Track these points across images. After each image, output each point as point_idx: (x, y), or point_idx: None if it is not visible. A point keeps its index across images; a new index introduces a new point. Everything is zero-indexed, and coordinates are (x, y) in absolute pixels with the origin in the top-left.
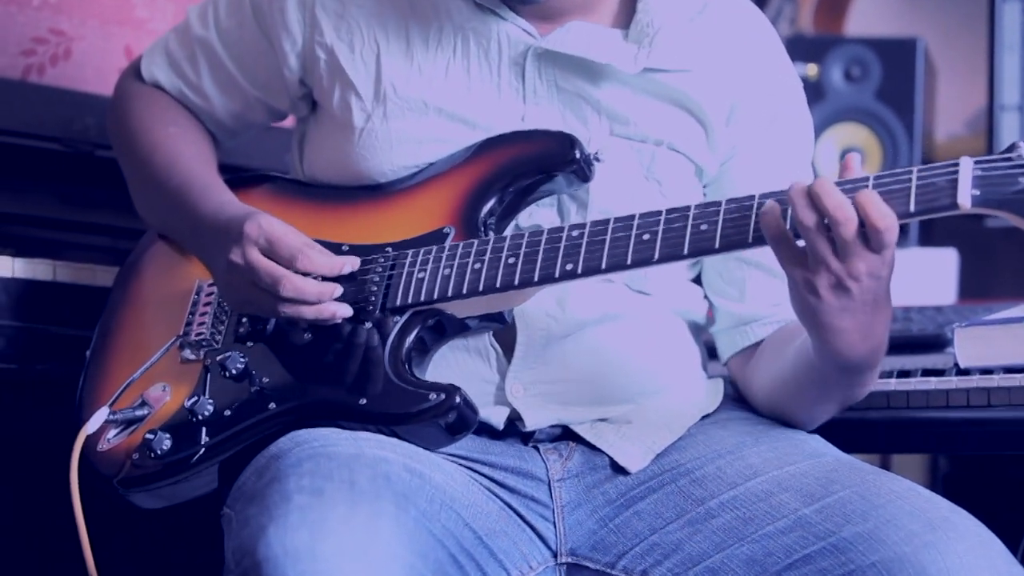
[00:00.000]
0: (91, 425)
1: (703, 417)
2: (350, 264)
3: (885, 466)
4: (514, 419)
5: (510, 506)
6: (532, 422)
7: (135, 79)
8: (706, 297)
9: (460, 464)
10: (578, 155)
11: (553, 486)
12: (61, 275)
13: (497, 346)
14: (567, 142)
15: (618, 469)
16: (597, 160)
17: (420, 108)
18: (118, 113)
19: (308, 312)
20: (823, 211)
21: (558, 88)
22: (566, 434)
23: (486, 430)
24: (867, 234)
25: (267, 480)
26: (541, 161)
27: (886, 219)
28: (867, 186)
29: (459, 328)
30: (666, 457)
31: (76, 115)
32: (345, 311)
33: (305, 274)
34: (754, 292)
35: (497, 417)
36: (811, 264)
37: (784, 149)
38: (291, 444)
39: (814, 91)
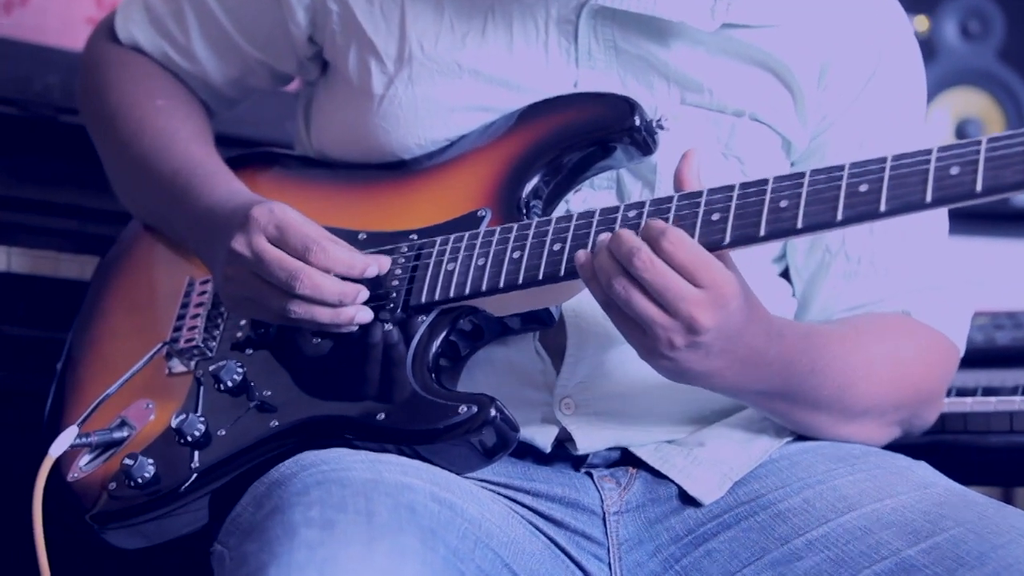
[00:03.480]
0: (56, 447)
1: (788, 440)
2: (377, 266)
3: (1007, 500)
4: (563, 440)
5: (556, 543)
6: (585, 444)
7: (109, 40)
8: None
9: (498, 493)
10: (637, 121)
11: (609, 520)
12: (16, 264)
13: (544, 352)
14: (624, 106)
15: (687, 500)
16: (660, 127)
17: (452, 70)
18: (91, 83)
19: (323, 315)
20: (617, 257)
21: (617, 50)
22: (625, 458)
23: (530, 452)
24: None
25: (268, 511)
26: (593, 130)
27: (690, 258)
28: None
29: (497, 330)
30: (744, 487)
31: (35, 73)
32: (365, 316)
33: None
34: (829, 293)
35: (543, 438)
36: (643, 325)
37: (888, 118)
38: (296, 468)
39: (923, 50)
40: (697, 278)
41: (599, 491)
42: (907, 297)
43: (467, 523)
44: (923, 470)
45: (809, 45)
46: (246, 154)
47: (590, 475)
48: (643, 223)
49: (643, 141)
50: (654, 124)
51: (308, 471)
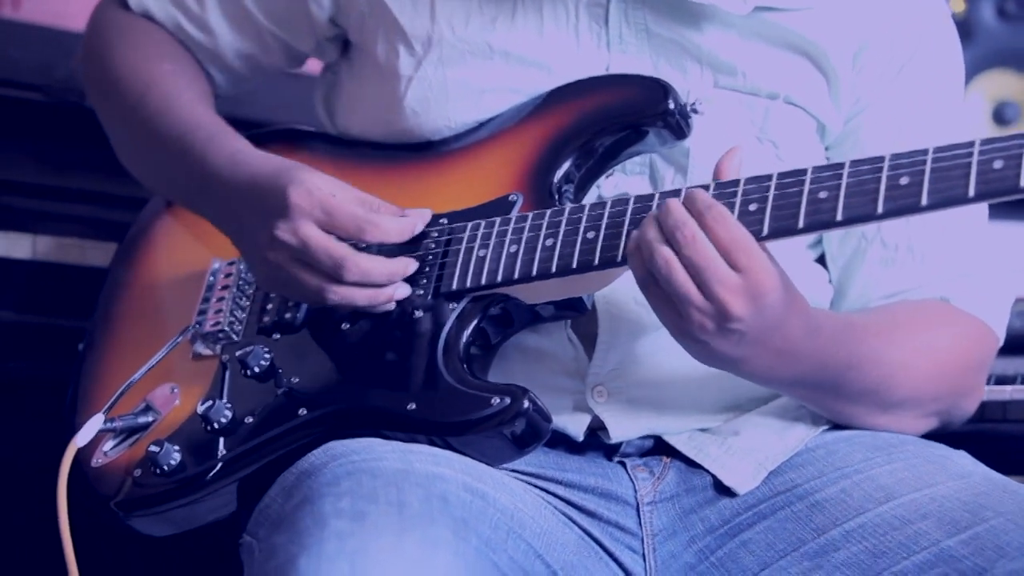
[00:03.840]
0: (82, 436)
1: (824, 428)
2: (422, 220)
3: None
4: (596, 429)
5: (590, 534)
6: (618, 433)
7: (118, 7)
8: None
9: (530, 483)
10: (671, 105)
11: (643, 510)
12: (42, 252)
13: (576, 339)
14: (658, 89)
15: (722, 490)
16: (695, 112)
17: (483, 51)
18: (96, 47)
19: (361, 298)
20: (664, 228)
21: (649, 33)
22: (659, 447)
23: (562, 441)
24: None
25: (298, 501)
26: (626, 113)
27: (731, 236)
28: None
29: (528, 317)
30: (779, 476)
31: (58, 58)
32: (403, 292)
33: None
34: (865, 280)
35: (575, 426)
36: (678, 305)
37: (924, 101)
38: (326, 458)
39: (959, 31)
40: (735, 259)
41: (632, 481)
42: (946, 284)
43: (499, 513)
44: (962, 459)
45: (843, 27)
46: (269, 132)
47: (623, 464)
48: (693, 197)
49: (677, 125)
50: (688, 108)
51: (338, 461)
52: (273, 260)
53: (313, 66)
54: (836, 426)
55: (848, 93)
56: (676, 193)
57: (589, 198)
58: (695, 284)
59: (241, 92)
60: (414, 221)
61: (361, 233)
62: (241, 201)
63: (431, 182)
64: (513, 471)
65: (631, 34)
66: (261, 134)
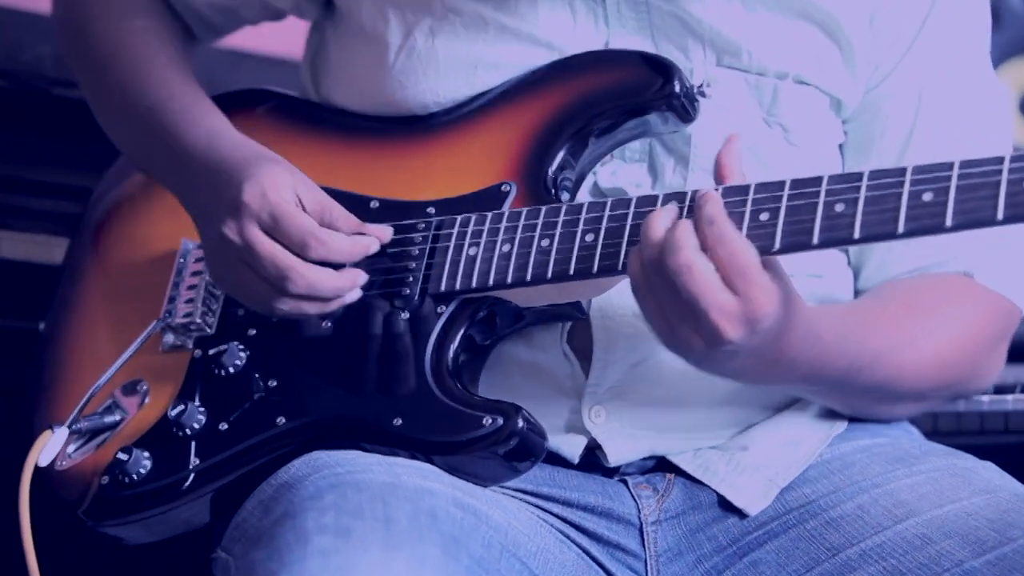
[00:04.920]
0: (45, 456)
1: (840, 431)
2: (377, 240)
3: None
4: (594, 448)
5: (589, 554)
6: (616, 456)
7: None
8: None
9: (525, 501)
10: (677, 87)
11: (646, 530)
12: (8, 250)
13: (572, 355)
14: (662, 70)
15: (731, 507)
16: (702, 94)
17: (477, 23)
18: (67, 3)
19: (311, 309)
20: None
21: (648, 6)
22: (662, 463)
23: (559, 457)
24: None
25: (278, 516)
26: (627, 95)
27: (732, 258)
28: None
29: (521, 320)
30: (792, 491)
31: (25, 42)
32: (353, 296)
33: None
34: (884, 254)
35: (570, 448)
36: (670, 320)
37: (949, 63)
38: (308, 469)
39: None
40: (733, 283)
41: (635, 500)
42: (969, 258)
43: (492, 531)
44: (989, 472)
45: None
46: (242, 92)
47: (625, 482)
48: (699, 205)
49: (683, 108)
50: (695, 90)
51: (321, 473)
52: (223, 258)
53: (296, 51)
54: (851, 432)
55: (866, 62)
56: (681, 197)
57: (586, 185)
58: (689, 309)
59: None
60: (368, 243)
61: (304, 248)
62: (205, 185)
63: (419, 164)
64: (507, 488)
65: (629, 7)
66: (231, 95)
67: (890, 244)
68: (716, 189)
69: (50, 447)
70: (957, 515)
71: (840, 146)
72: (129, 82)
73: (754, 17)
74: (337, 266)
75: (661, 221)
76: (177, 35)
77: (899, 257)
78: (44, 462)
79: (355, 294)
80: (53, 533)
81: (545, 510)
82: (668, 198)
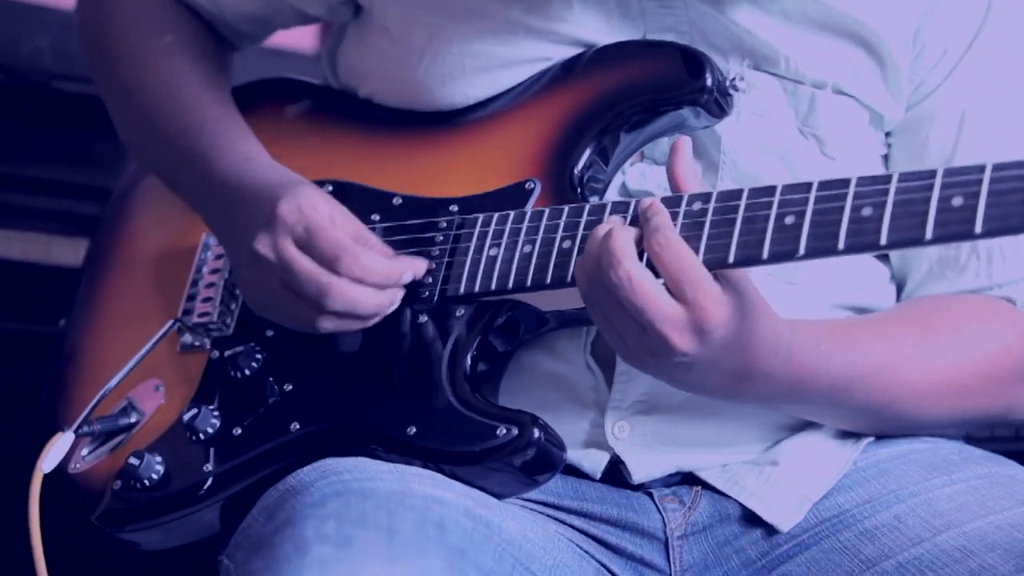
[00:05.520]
0: (49, 461)
1: (870, 440)
2: (412, 272)
3: None
4: (617, 462)
5: (609, 570)
6: (640, 473)
7: None
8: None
9: (544, 513)
10: (708, 81)
11: (672, 545)
12: (3, 249)
13: (596, 367)
14: (693, 63)
15: (760, 519)
16: (735, 89)
17: (505, 26)
18: (90, 17)
19: (355, 326)
20: (600, 262)
21: (687, 7)
22: (689, 476)
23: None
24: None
25: (279, 523)
26: (656, 89)
27: (677, 265)
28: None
29: (542, 324)
30: (825, 501)
31: (23, 34)
32: (393, 305)
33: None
34: (923, 278)
35: (592, 463)
36: (617, 327)
37: (1000, 82)
38: (315, 475)
39: None
40: (681, 291)
41: (661, 512)
42: (1013, 285)
43: (504, 543)
44: None
45: (899, 3)
46: (268, 82)
47: (650, 495)
48: (644, 203)
49: (716, 104)
50: (727, 84)
51: (328, 479)
52: (257, 279)
53: (302, 44)
54: (885, 439)
55: (907, 78)
56: (706, 198)
57: (614, 185)
58: (635, 321)
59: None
60: (403, 269)
61: (336, 262)
62: (237, 211)
63: (443, 159)
64: (526, 499)
65: (666, 8)
66: (257, 85)
67: (929, 268)
68: (741, 191)
69: (55, 452)
70: (1000, 526)
71: (885, 158)
72: (158, 105)
73: (791, 29)
74: None
75: (601, 233)
76: (211, 48)
77: (935, 282)
78: (48, 468)
79: (394, 304)
80: (65, 536)
81: (565, 523)
82: (694, 199)
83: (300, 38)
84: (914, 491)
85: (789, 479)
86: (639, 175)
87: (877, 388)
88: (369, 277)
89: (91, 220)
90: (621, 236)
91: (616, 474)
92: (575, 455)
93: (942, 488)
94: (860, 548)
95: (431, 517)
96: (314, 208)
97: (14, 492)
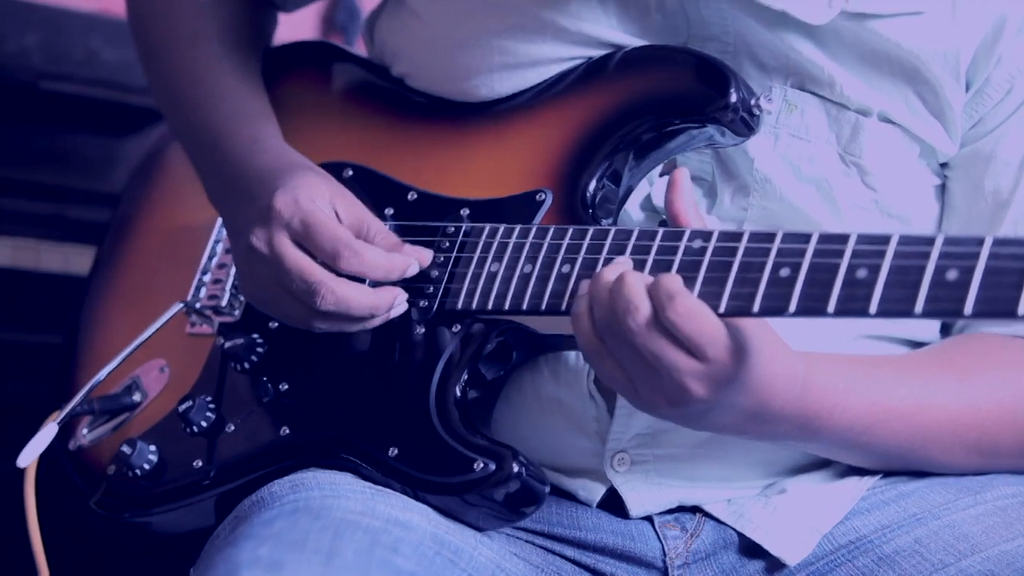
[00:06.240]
0: (23, 457)
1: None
2: (417, 262)
3: None
4: (615, 490)
5: None
6: (639, 508)
7: None
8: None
9: (530, 542)
10: (733, 98)
11: (672, 574)
12: None
13: (598, 396)
14: (718, 78)
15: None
16: (759, 109)
17: (533, 24)
18: None
19: (351, 327)
20: (614, 308)
21: (724, 28)
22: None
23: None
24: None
25: (228, 540)
26: (675, 103)
27: (699, 331)
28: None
29: (540, 346)
30: (840, 525)
31: (10, 31)
32: (398, 311)
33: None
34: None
35: (588, 492)
36: (629, 374)
37: None
38: (286, 488)
39: None
40: (702, 352)
41: (660, 540)
42: None
43: (472, 572)
44: None
45: (957, 31)
46: (307, 45)
47: (650, 520)
48: (657, 281)
49: (742, 122)
50: (753, 105)
51: (297, 494)
52: (252, 273)
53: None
54: None
55: (965, 115)
56: (707, 236)
57: (637, 197)
58: (651, 369)
59: None
60: (406, 263)
61: (336, 258)
62: (240, 194)
63: (462, 155)
64: (511, 528)
65: (704, 26)
66: (291, 47)
67: None
68: (741, 233)
69: (35, 445)
70: None
71: (941, 187)
72: (182, 73)
73: (839, 55)
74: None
75: (611, 277)
76: (243, 11)
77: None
78: (24, 463)
79: (399, 309)
80: (69, 519)
81: (554, 552)
82: (695, 236)
83: (300, 31)
84: (936, 513)
85: (797, 509)
86: (660, 192)
87: (901, 432)
88: (370, 273)
89: (82, 225)
90: (635, 282)
91: (614, 501)
92: (571, 483)
93: (967, 510)
94: (878, 575)
95: (384, 540)
96: (311, 200)
97: (10, 501)
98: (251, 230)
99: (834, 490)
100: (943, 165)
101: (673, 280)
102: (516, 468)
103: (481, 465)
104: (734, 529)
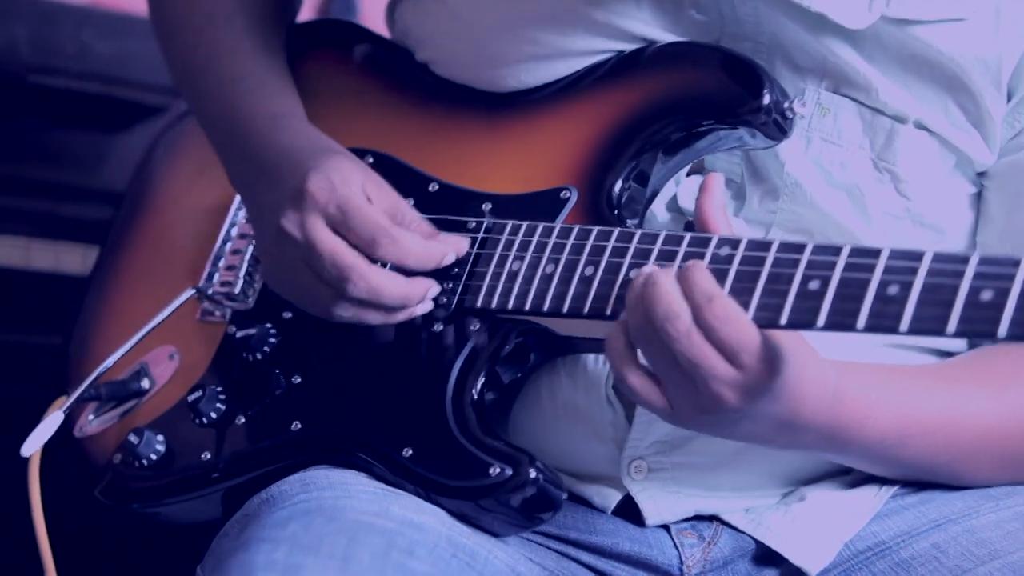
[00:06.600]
0: (27, 446)
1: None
2: (454, 251)
3: None
4: (631, 496)
5: None
6: (655, 516)
7: None
8: None
9: (546, 546)
10: (766, 100)
11: None
12: None
13: (616, 401)
14: (750, 78)
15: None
16: (792, 112)
17: (565, 15)
18: None
19: (374, 319)
20: (652, 315)
21: (759, 29)
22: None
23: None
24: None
25: (241, 541)
26: (706, 103)
27: (737, 338)
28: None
29: (560, 348)
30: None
31: None
32: (425, 308)
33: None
34: None
35: (604, 499)
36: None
37: None
38: (297, 487)
39: None
40: (739, 361)
41: (677, 548)
42: None
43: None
44: None
45: (1002, 43)
46: (331, 24)
47: (667, 527)
48: (692, 280)
49: (774, 124)
50: (786, 108)
51: (307, 494)
52: (279, 256)
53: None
54: None
55: (1005, 125)
56: (735, 243)
57: (663, 197)
58: (687, 377)
59: None
60: (444, 250)
61: (374, 245)
62: (264, 175)
63: (483, 145)
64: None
65: (739, 26)
66: (314, 24)
67: None
68: (770, 242)
69: (40, 433)
70: None
71: (977, 196)
72: (198, 49)
73: (876, 60)
74: (406, 276)
75: (645, 282)
76: None
77: None
78: (28, 452)
79: (425, 306)
80: (74, 506)
81: (570, 557)
82: (723, 243)
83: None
84: (955, 519)
85: (817, 516)
86: (692, 192)
87: (931, 446)
88: (407, 260)
89: (74, 222)
90: (670, 285)
91: (630, 507)
92: (586, 489)
93: (987, 515)
94: None
95: (400, 543)
96: (347, 184)
97: (14, 501)
98: (282, 212)
99: (855, 497)
100: (980, 174)
101: (708, 280)
102: (533, 474)
103: (497, 470)
104: (752, 537)
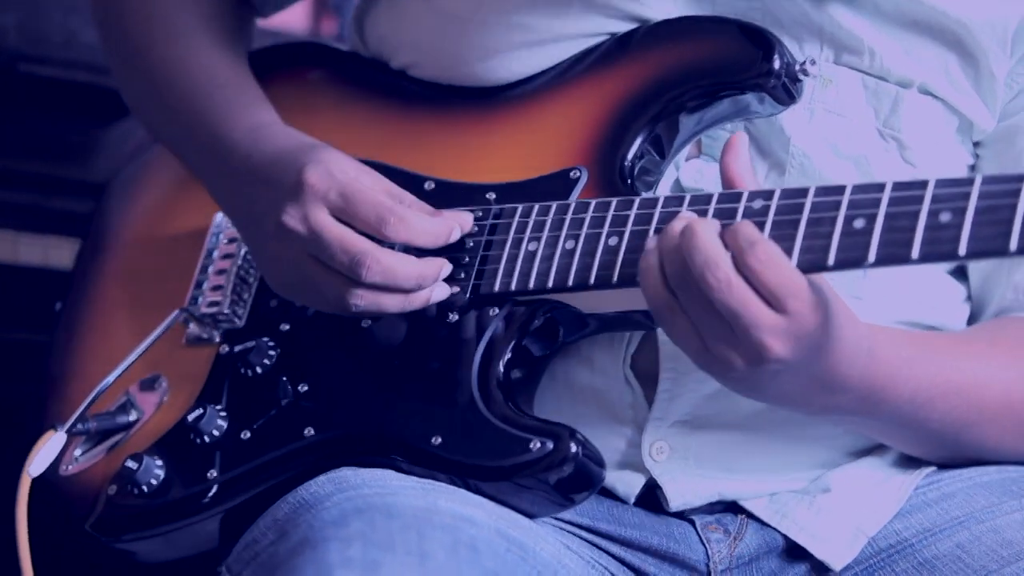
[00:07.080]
0: (37, 465)
1: (933, 468)
2: (460, 225)
3: None
4: (654, 486)
5: None
6: (679, 500)
7: None
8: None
9: (578, 536)
10: (777, 64)
11: None
12: None
13: (635, 381)
14: (761, 43)
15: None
16: (804, 74)
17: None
18: None
19: (392, 304)
20: (690, 265)
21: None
22: (732, 504)
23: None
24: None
25: (295, 543)
26: (718, 71)
27: (779, 281)
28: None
29: (583, 327)
30: (881, 528)
31: None
32: (441, 293)
33: (392, 244)
34: (1010, 300)
35: (626, 487)
36: (703, 337)
37: None
38: (331, 488)
39: None
40: (782, 304)
41: (704, 543)
42: None
43: (540, 568)
44: None
45: (1009, 3)
46: (290, 47)
47: (692, 523)
48: (733, 227)
49: (783, 89)
50: (798, 69)
51: (346, 493)
52: (283, 256)
53: (291, 23)
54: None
55: (1005, 86)
56: (768, 195)
57: (667, 181)
58: (728, 326)
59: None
60: (450, 225)
61: (383, 225)
62: (254, 183)
63: (482, 140)
64: (559, 520)
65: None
66: (278, 49)
67: (1017, 297)
68: (806, 189)
69: (44, 454)
70: None
71: (972, 168)
72: (164, 67)
73: (878, 25)
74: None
75: (680, 228)
76: (228, 10)
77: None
78: (36, 472)
79: (441, 290)
80: (57, 545)
81: (600, 548)
82: (755, 196)
83: (291, 19)
84: (979, 517)
85: (842, 509)
86: (695, 171)
87: (959, 407)
88: (416, 238)
89: (62, 215)
90: (709, 232)
91: (653, 499)
92: (608, 477)
93: (1012, 514)
94: None
95: (463, 538)
96: (344, 171)
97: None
98: (282, 210)
99: (879, 489)
100: (976, 144)
101: (750, 227)
102: (575, 448)
103: (538, 444)
104: (777, 530)
